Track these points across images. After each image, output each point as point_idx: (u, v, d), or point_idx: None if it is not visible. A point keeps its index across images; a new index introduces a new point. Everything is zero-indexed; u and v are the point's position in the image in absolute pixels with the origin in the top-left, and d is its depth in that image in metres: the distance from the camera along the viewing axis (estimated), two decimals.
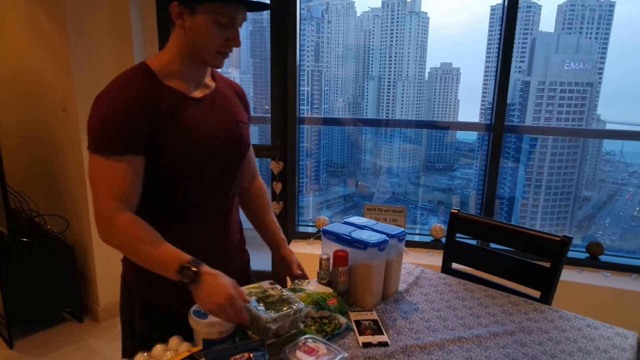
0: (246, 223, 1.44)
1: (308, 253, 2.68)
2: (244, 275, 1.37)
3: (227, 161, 1.19)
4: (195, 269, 0.99)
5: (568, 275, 2.37)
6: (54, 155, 2.79)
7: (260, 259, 3.18)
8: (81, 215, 2.67)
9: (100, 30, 2.52)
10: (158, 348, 1.07)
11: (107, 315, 2.77)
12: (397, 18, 3.82)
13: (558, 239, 1.51)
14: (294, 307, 1.10)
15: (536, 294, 1.53)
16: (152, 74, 1.08)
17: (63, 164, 2.74)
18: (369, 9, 3.93)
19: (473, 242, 2.33)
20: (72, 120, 2.53)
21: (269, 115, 2.78)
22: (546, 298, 1.50)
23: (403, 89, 3.90)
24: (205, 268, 1.02)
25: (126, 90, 1.03)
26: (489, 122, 2.58)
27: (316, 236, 2.83)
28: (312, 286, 1.31)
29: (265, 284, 1.22)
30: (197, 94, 1.14)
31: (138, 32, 2.58)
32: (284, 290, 1.19)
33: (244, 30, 3.82)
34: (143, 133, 1.03)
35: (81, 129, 2.49)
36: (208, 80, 1.20)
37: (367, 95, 3.99)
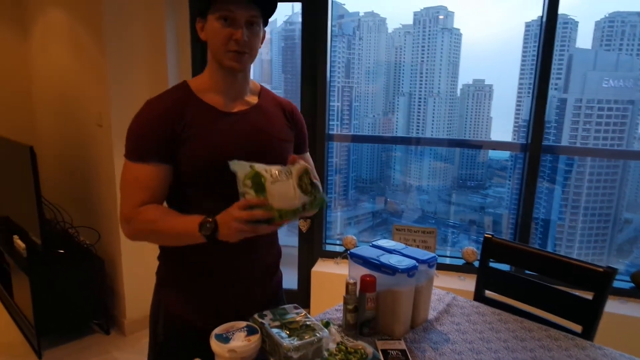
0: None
1: (334, 273, 2.64)
2: (273, 297, 1.33)
3: None
4: (211, 220, 1.01)
5: (610, 306, 2.23)
6: (88, 168, 2.85)
7: (286, 277, 3.15)
8: (112, 227, 2.71)
9: (136, 48, 2.58)
10: None
11: (133, 329, 2.79)
12: (429, 34, 3.78)
13: (601, 270, 1.41)
14: (318, 335, 1.06)
15: (577, 327, 1.44)
16: (188, 89, 1.14)
17: (96, 177, 2.80)
18: (401, 25, 3.90)
19: (507, 267, 2.23)
20: (106, 135, 2.58)
21: None
22: (588, 333, 1.40)
23: (434, 106, 3.84)
24: (218, 215, 1.01)
25: (158, 103, 1.11)
26: (524, 142, 2.49)
27: (343, 255, 2.78)
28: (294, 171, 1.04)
29: (290, 307, 1.19)
30: (231, 108, 1.16)
31: (172, 50, 2.63)
32: (309, 316, 1.15)
33: (275, 46, 3.87)
34: (167, 142, 1.07)
35: (114, 144, 2.54)
36: (250, 97, 1.21)
37: (397, 111, 3.95)
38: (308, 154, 1.36)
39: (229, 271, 1.18)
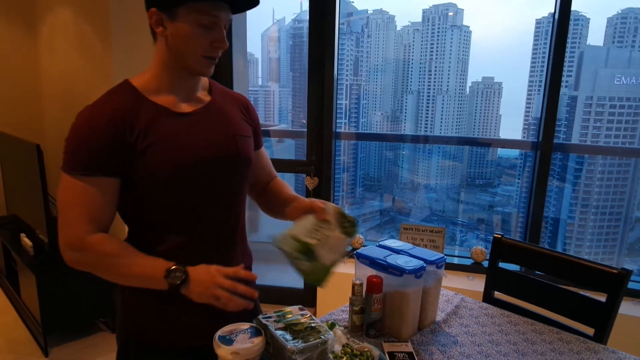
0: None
1: (341, 272, 2.60)
2: (250, 309, 1.26)
3: (217, 179, 1.07)
4: (182, 269, 0.96)
5: (623, 307, 2.18)
6: None
7: (292, 276, 3.15)
8: (117, 225, 2.70)
9: (142, 47, 2.56)
10: None
11: None
12: (438, 32, 3.74)
13: (615, 271, 1.38)
14: (323, 337, 1.04)
15: (589, 330, 1.40)
16: (133, 90, 1.02)
17: None
18: (409, 23, 3.87)
19: (516, 267, 2.19)
20: None
21: (306, 129, 2.75)
22: (601, 336, 1.36)
23: (443, 103, 3.81)
24: (192, 268, 0.97)
25: (101, 108, 0.98)
26: (534, 140, 2.45)
27: (350, 255, 2.75)
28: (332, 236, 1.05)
29: (295, 309, 1.16)
30: (186, 108, 1.05)
31: None
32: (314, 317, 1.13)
33: (284, 44, 3.85)
34: (115, 153, 0.96)
35: None
36: (202, 94, 1.11)
37: (405, 109, 3.92)
38: (263, 148, 1.28)
39: None
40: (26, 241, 2.70)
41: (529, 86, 3.40)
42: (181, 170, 1.00)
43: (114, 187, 0.99)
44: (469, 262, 2.60)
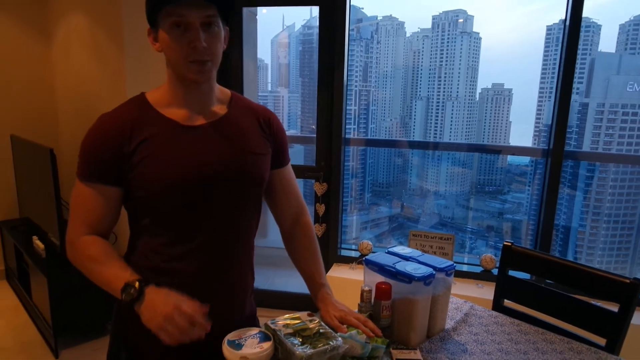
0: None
1: (349, 278, 2.61)
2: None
3: (215, 197, 1.05)
4: (138, 286, 0.93)
5: (636, 318, 2.15)
6: None
7: (301, 282, 3.13)
8: (127, 229, 2.73)
9: (155, 55, 2.60)
10: None
11: None
12: (448, 38, 3.74)
13: (627, 281, 1.36)
14: (332, 343, 1.04)
15: (601, 340, 1.38)
16: (145, 103, 1.04)
17: None
18: (419, 29, 3.88)
19: (526, 275, 2.17)
20: None
21: (315, 135, 2.76)
22: (613, 347, 1.35)
23: (452, 110, 3.80)
24: (152, 287, 0.94)
25: (110, 118, 1.01)
26: (545, 147, 2.43)
27: (358, 261, 2.75)
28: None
29: (303, 315, 1.17)
30: (197, 121, 1.05)
31: None
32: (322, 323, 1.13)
33: (293, 50, 3.87)
34: (113, 164, 0.99)
35: None
36: (218, 107, 1.10)
37: (415, 115, 3.92)
38: (289, 166, 1.24)
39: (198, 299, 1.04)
40: (38, 243, 2.73)
41: (540, 93, 3.39)
42: (165, 186, 0.99)
43: (114, 195, 1.03)
44: (478, 269, 2.58)
